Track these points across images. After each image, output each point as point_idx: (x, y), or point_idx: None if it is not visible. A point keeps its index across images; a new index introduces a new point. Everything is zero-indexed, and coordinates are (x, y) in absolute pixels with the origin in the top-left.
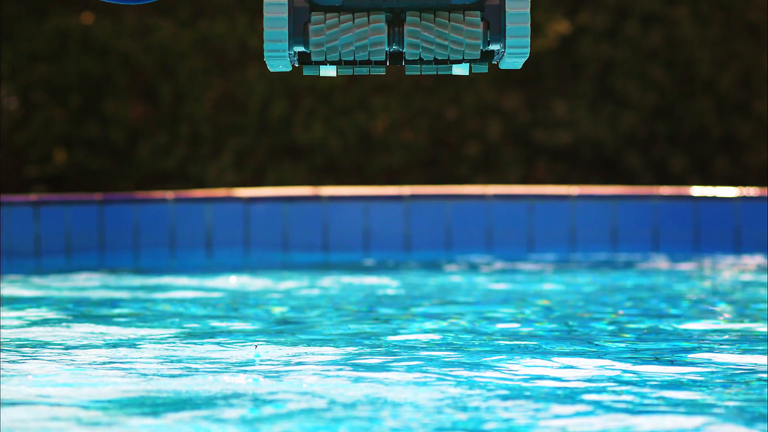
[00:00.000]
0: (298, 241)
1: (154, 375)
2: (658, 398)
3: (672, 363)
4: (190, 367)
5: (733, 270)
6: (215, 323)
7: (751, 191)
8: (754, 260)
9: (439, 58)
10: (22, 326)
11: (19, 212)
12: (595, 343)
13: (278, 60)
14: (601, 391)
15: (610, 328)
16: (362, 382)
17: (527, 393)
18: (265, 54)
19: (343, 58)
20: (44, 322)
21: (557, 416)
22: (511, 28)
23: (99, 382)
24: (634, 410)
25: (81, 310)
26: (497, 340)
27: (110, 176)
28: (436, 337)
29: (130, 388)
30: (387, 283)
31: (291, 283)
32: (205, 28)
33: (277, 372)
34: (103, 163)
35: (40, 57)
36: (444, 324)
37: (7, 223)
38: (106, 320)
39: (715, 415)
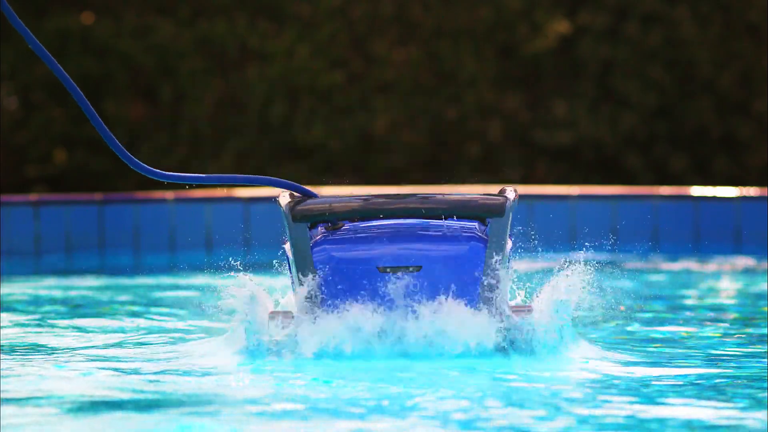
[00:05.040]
0: None
1: (153, 374)
2: (657, 398)
3: (671, 363)
4: (189, 367)
5: (733, 270)
6: (214, 323)
7: (751, 191)
8: (754, 260)
9: None
10: (21, 326)
11: (19, 212)
12: (594, 343)
13: None
14: (598, 391)
15: (609, 328)
16: (359, 382)
17: (526, 393)
18: None
19: None
20: (44, 322)
21: (555, 417)
22: None
23: (98, 381)
24: (632, 410)
25: (80, 311)
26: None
27: (110, 176)
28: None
29: (130, 388)
30: None
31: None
32: (205, 28)
33: (275, 371)
34: (103, 163)
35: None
36: None
37: (7, 223)
38: (106, 320)
39: (714, 414)
